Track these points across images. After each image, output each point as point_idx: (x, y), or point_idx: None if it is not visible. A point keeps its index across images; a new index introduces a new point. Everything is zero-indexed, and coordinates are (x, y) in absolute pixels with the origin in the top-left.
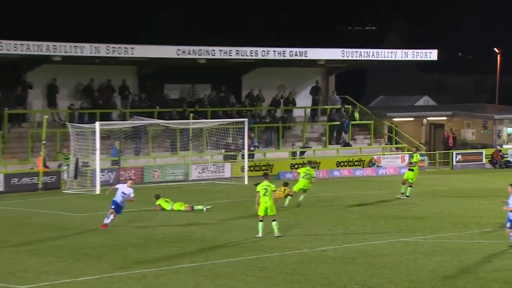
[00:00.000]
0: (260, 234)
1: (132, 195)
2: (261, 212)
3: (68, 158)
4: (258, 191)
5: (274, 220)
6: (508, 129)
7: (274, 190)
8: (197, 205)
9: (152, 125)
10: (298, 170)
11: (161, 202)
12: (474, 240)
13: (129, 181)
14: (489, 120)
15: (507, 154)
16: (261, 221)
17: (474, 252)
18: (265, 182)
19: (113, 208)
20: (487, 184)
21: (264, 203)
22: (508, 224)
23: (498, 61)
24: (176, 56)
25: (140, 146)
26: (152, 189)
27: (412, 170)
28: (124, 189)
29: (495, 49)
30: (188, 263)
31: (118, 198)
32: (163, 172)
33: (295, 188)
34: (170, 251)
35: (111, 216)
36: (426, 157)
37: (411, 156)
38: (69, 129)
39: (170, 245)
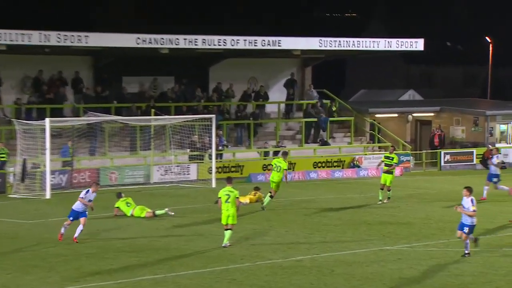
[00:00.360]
0: (226, 244)
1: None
2: (223, 221)
3: (3, 154)
4: (220, 197)
5: (230, 229)
6: (501, 126)
7: (237, 197)
8: (159, 210)
9: (108, 121)
10: (272, 162)
11: (120, 204)
12: (464, 248)
13: (96, 186)
14: (480, 117)
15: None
16: (226, 230)
17: (464, 262)
18: (228, 187)
19: (71, 220)
20: (478, 187)
21: (226, 211)
22: (467, 230)
23: (490, 52)
24: (136, 46)
25: (95, 145)
26: (109, 192)
27: (391, 172)
28: (91, 197)
29: (487, 38)
30: (150, 275)
31: (80, 206)
32: (122, 174)
33: (270, 184)
34: (129, 262)
35: (67, 227)
36: (411, 157)
37: (389, 158)
38: (16, 126)
39: (129, 255)
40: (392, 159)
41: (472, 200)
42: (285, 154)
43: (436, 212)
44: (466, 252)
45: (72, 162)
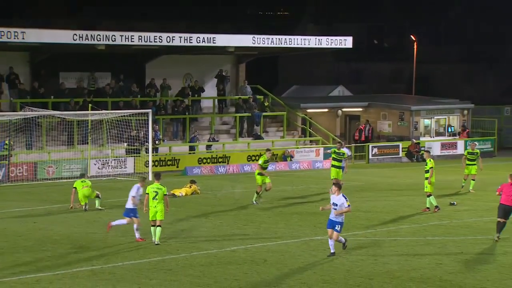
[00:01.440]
0: (155, 241)
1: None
2: (151, 217)
3: None
4: (148, 193)
5: (159, 226)
6: (425, 120)
7: (165, 194)
8: (98, 201)
9: (46, 116)
10: None
11: (77, 184)
12: (390, 238)
13: (143, 180)
14: (406, 111)
15: (424, 147)
16: (153, 226)
17: (390, 251)
18: (156, 184)
19: (130, 217)
20: (404, 179)
21: (154, 208)
22: (338, 227)
23: (415, 49)
24: (73, 42)
25: (32, 140)
26: (46, 186)
27: (340, 167)
28: (140, 192)
29: (412, 36)
30: (87, 266)
31: (134, 204)
32: (59, 168)
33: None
34: (67, 254)
35: (124, 221)
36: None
37: (340, 154)
38: None
39: (66, 247)
40: (343, 155)
41: (344, 196)
42: (267, 150)
43: (365, 203)
44: (332, 251)
45: (9, 156)
